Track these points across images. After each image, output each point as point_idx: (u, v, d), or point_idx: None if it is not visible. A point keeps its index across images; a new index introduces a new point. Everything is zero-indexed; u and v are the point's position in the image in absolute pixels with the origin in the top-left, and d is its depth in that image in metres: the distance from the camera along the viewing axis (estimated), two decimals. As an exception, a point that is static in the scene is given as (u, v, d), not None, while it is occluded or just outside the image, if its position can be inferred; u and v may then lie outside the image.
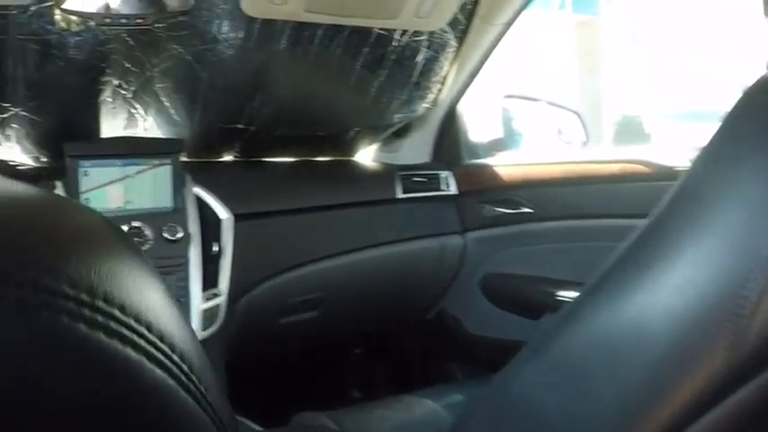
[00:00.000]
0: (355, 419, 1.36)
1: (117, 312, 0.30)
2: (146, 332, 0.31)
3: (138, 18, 1.26)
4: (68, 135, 1.65)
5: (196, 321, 1.48)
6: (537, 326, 1.85)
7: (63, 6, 1.22)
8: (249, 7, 1.44)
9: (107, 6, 1.26)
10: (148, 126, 1.78)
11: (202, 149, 1.85)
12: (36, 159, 1.74)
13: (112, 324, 0.29)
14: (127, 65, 1.60)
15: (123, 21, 1.25)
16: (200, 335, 1.48)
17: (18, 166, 1.74)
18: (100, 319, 0.29)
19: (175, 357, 0.33)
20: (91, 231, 0.35)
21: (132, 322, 0.30)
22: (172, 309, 0.38)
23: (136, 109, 1.73)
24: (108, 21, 1.26)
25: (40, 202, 0.34)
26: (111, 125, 1.75)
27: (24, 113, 1.61)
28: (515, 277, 2.01)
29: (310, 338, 1.95)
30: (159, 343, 0.32)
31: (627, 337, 0.68)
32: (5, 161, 1.72)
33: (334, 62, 1.66)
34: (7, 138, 1.68)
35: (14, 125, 1.64)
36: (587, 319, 0.72)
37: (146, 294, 0.34)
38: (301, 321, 1.81)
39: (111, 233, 0.37)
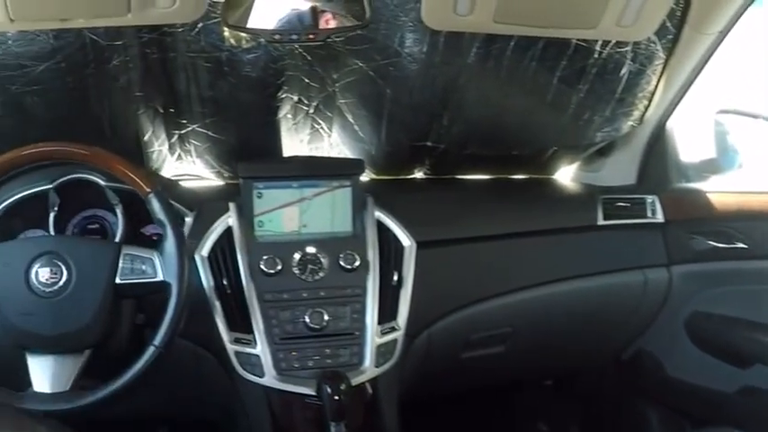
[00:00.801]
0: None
1: None
2: None
3: (310, 34, 1.18)
4: (248, 151, 1.62)
5: (369, 357, 1.37)
6: (745, 376, 1.69)
7: (230, 23, 1.16)
8: (430, 19, 1.32)
9: (279, 22, 1.19)
10: (333, 142, 1.73)
11: (390, 167, 1.77)
12: (218, 174, 1.72)
13: None
14: (306, 80, 1.55)
15: (294, 37, 1.18)
16: (373, 371, 1.38)
17: (197, 179, 1.73)
18: None
19: None
20: None
21: None
22: None
23: (319, 124, 1.67)
24: (277, 37, 1.19)
25: None
26: (294, 141, 1.71)
27: (201, 130, 1.60)
28: (725, 319, 1.78)
29: (494, 373, 1.81)
30: None
31: None
32: (184, 176, 1.73)
33: (528, 77, 1.52)
34: (187, 152, 1.67)
35: (193, 141, 1.63)
36: None
37: None
38: (485, 356, 1.67)
39: None
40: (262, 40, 1.39)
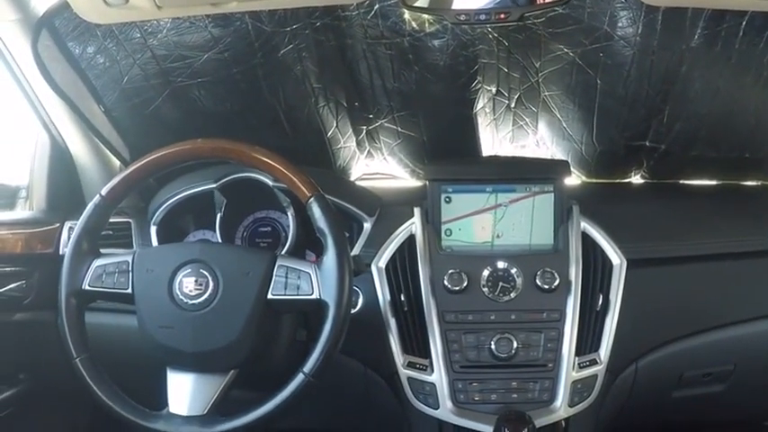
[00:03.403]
0: None
1: None
2: None
3: (500, 13, 0.99)
4: (443, 149, 1.49)
5: (563, 394, 1.17)
6: None
7: (408, 3, 1.00)
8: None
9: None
10: (539, 139, 1.54)
11: (602, 169, 1.56)
12: (413, 173, 1.59)
13: None
14: (504, 69, 1.37)
15: (482, 17, 0.99)
16: (566, 411, 1.18)
17: (390, 178, 1.62)
18: None
19: None
20: None
21: None
22: None
23: (523, 120, 1.49)
24: (463, 18, 1.01)
25: None
26: (495, 139, 1.54)
27: (390, 125, 1.47)
28: None
29: (710, 414, 1.54)
30: None
31: None
32: (376, 174, 1.62)
33: (764, 63, 1.26)
34: (377, 150, 1.56)
35: (383, 137, 1.52)
36: None
37: None
38: (701, 396, 1.41)
39: None
40: (446, 22, 1.22)
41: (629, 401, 1.33)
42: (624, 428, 1.46)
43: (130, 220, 1.36)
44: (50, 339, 1.16)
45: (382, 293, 1.23)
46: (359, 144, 1.54)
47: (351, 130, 1.50)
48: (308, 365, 1.02)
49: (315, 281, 1.04)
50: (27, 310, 1.31)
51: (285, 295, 1.04)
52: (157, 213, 1.33)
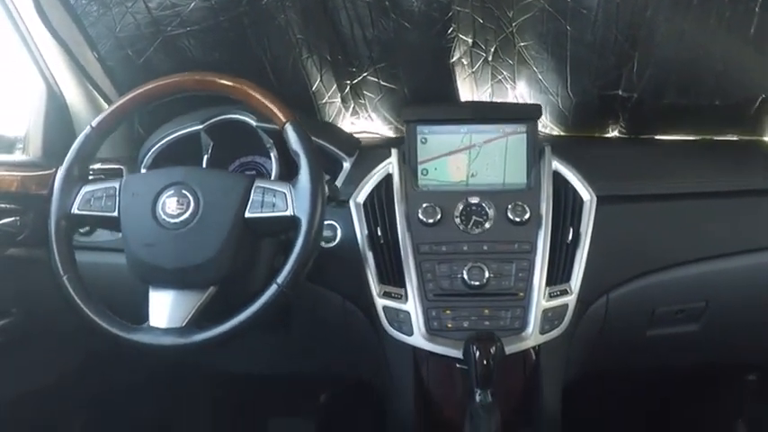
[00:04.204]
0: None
1: None
2: None
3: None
4: (423, 100, 1.51)
5: (534, 322, 1.21)
6: None
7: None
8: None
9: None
10: (519, 95, 1.57)
11: (579, 122, 1.58)
12: (396, 130, 1.63)
13: None
14: (479, 20, 1.41)
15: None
16: (537, 338, 1.21)
17: (372, 134, 1.65)
18: None
19: None
20: None
21: None
22: None
23: (501, 74, 1.53)
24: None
25: None
26: (475, 95, 1.58)
27: (372, 78, 1.51)
28: None
29: (684, 357, 1.55)
30: None
31: None
32: (362, 133, 1.64)
33: (728, 4, 1.29)
34: (362, 107, 1.60)
35: (366, 92, 1.55)
36: None
37: None
38: (675, 336, 1.42)
39: None
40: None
41: (602, 339, 1.36)
42: (597, 374, 1.49)
43: (122, 167, 1.40)
44: (42, 277, 1.19)
45: (360, 228, 1.28)
46: (344, 100, 1.58)
47: (335, 84, 1.54)
48: (281, 276, 1.06)
49: (289, 199, 1.08)
50: (20, 246, 1.35)
51: (261, 212, 1.09)
52: (147, 157, 1.38)
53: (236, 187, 1.10)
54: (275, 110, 1.14)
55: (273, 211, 1.09)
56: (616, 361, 1.51)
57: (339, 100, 1.58)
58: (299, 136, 1.11)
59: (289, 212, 1.08)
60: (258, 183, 1.10)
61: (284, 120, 1.13)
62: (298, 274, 1.06)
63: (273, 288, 1.06)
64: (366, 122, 1.63)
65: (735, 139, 1.57)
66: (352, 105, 1.59)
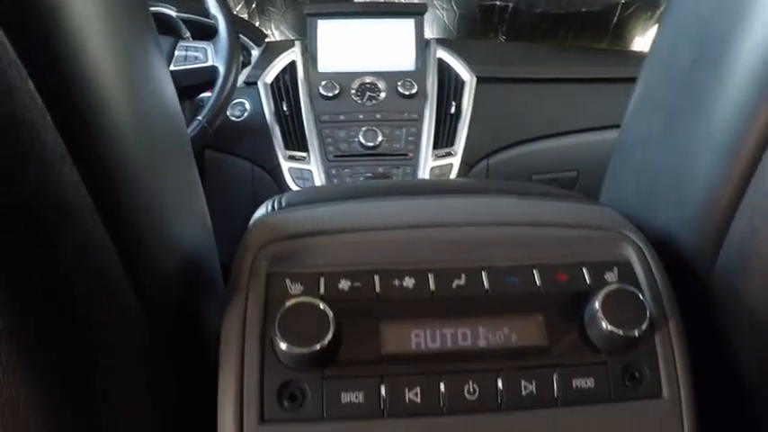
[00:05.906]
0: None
1: None
2: None
3: None
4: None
5: (423, 177, 1.37)
6: None
7: None
8: None
9: None
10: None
11: (464, 33, 1.75)
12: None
13: None
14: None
15: None
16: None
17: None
18: None
19: None
20: None
21: None
22: None
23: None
24: None
25: None
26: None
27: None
28: None
29: None
30: None
31: None
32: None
33: None
34: (267, 23, 1.73)
35: (270, 7, 1.69)
36: None
37: None
38: None
39: None
40: None
41: None
42: None
43: None
44: None
45: (267, 104, 1.42)
46: (251, 16, 1.71)
47: (243, 1, 1.68)
48: (203, 113, 1.21)
49: (210, 52, 1.25)
50: None
51: (185, 65, 1.24)
52: None
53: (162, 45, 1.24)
54: None
55: (196, 63, 1.24)
56: None
57: (247, 16, 1.71)
58: (218, 1, 1.27)
59: (209, 63, 1.24)
60: (182, 43, 1.26)
61: None
62: (218, 113, 1.21)
63: (195, 123, 1.20)
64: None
65: (603, 47, 1.78)
66: (258, 23, 1.73)
